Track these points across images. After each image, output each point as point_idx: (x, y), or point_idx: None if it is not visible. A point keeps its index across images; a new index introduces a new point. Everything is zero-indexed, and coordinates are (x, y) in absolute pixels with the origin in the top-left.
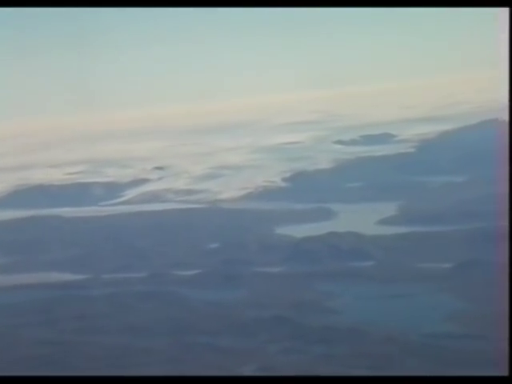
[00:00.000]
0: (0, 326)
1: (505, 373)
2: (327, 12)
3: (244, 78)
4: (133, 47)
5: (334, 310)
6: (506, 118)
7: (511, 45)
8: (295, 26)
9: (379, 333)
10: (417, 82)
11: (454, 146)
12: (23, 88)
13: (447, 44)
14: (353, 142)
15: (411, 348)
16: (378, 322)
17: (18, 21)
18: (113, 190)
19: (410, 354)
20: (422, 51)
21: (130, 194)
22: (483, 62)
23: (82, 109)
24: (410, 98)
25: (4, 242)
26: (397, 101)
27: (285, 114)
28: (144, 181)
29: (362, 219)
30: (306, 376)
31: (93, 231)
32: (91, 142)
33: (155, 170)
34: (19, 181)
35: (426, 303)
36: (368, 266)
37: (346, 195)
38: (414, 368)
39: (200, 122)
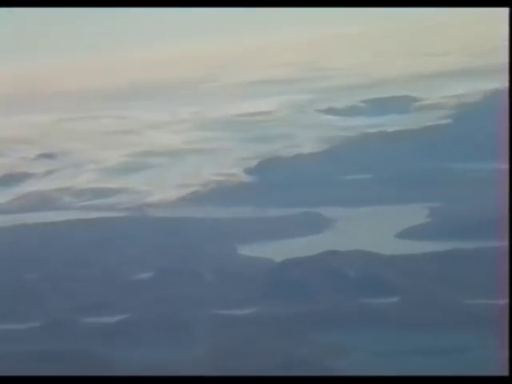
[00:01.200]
0: None
1: (505, 373)
2: None
3: (186, 14)
4: None
5: (341, 372)
6: None
7: (511, 45)
8: None
9: None
10: (437, 16)
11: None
12: None
13: None
14: (351, 111)
15: None
16: None
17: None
18: None
19: None
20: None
21: (2, 197)
22: None
23: None
24: (433, 40)
25: None
26: (413, 44)
27: (246, 68)
28: (24, 176)
29: (375, 231)
30: (306, 376)
31: None
32: None
33: (41, 158)
34: None
35: (481, 362)
36: (388, 303)
37: (346, 193)
38: None
39: (112, 81)
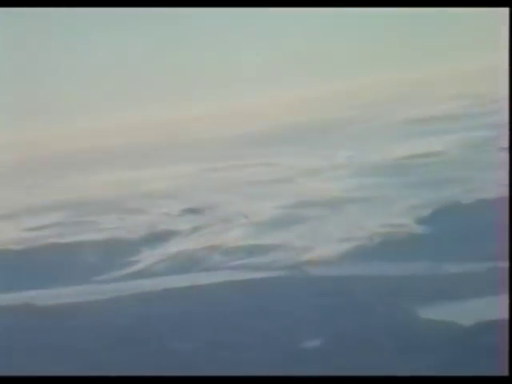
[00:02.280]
0: None
1: (505, 373)
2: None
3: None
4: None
5: None
6: None
7: (511, 45)
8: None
9: None
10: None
11: None
12: None
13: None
14: None
15: None
16: None
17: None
18: (113, 253)
19: None
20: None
21: (147, 258)
22: None
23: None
24: None
25: None
26: None
27: (405, 104)
28: (168, 234)
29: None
30: (306, 376)
31: (85, 329)
32: (65, 172)
33: (186, 214)
34: None
35: None
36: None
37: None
38: None
39: (255, 124)
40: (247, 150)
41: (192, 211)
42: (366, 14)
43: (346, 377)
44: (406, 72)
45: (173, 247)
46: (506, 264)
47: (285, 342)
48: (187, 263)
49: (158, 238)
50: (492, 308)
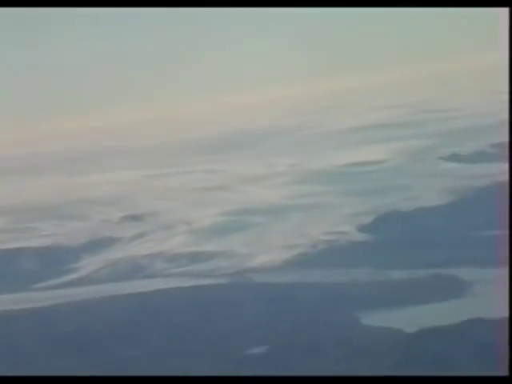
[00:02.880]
0: None
1: (505, 373)
2: None
3: (274, 54)
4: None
5: None
6: None
7: (511, 45)
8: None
9: None
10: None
11: None
12: None
13: None
14: (479, 157)
15: None
16: None
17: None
18: (55, 259)
19: None
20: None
21: (88, 265)
22: None
23: None
24: None
25: None
26: None
27: (348, 112)
28: (110, 241)
29: None
30: (305, 376)
31: (25, 338)
32: (1, 178)
33: (127, 221)
34: None
35: None
36: None
37: (481, 252)
38: None
39: (198, 132)
40: (188, 157)
41: (133, 218)
42: (313, 20)
43: (345, 377)
44: (348, 81)
45: (114, 254)
46: (455, 271)
47: (230, 348)
48: (129, 270)
49: (98, 244)
50: (435, 314)
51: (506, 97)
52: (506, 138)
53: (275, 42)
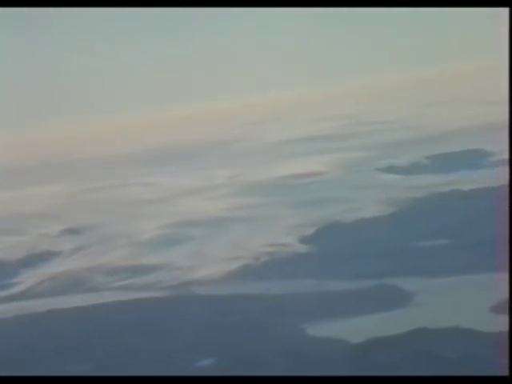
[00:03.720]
0: None
1: (505, 373)
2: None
3: (211, 65)
4: None
5: None
6: None
7: (511, 45)
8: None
9: None
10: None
11: None
12: None
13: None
14: (415, 169)
15: None
16: None
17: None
18: None
19: None
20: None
21: (27, 279)
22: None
23: None
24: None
25: None
26: (475, 91)
27: (285, 124)
28: (49, 255)
29: (464, 304)
30: (305, 376)
31: None
32: None
33: (66, 234)
34: None
35: None
36: None
37: (422, 262)
38: None
39: (137, 145)
40: (126, 170)
41: (72, 232)
42: (250, 32)
43: (344, 377)
44: (284, 93)
45: (54, 268)
46: (397, 281)
47: (174, 362)
48: (70, 284)
49: (38, 258)
50: (380, 325)
51: (441, 109)
52: (441, 151)
53: (213, 54)
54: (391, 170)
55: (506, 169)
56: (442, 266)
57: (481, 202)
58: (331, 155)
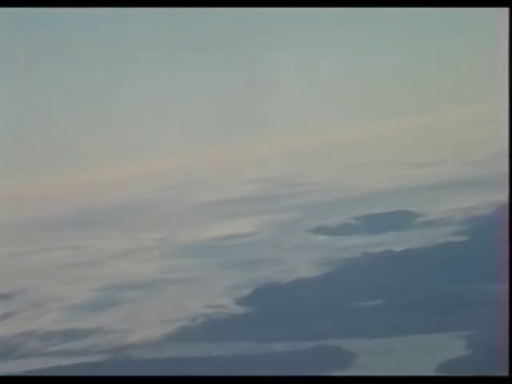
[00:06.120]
0: None
1: (505, 373)
2: None
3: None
4: None
5: None
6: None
7: (511, 45)
8: None
9: None
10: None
11: None
12: None
13: None
14: (344, 229)
15: None
16: None
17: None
18: None
19: None
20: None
21: None
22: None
23: None
24: (423, 148)
25: None
26: (400, 154)
27: (214, 185)
28: None
29: (411, 364)
30: (305, 376)
31: None
32: None
33: None
34: None
35: None
36: None
37: (361, 323)
38: None
39: (57, 208)
40: (52, 234)
41: (1, 297)
42: (172, 88)
43: (344, 377)
44: (210, 154)
45: None
46: (339, 342)
47: None
48: (1, 351)
49: None
50: None
51: (368, 169)
52: (368, 211)
53: (135, 116)
54: (321, 230)
55: (434, 230)
56: (381, 327)
57: (414, 263)
58: (260, 216)
